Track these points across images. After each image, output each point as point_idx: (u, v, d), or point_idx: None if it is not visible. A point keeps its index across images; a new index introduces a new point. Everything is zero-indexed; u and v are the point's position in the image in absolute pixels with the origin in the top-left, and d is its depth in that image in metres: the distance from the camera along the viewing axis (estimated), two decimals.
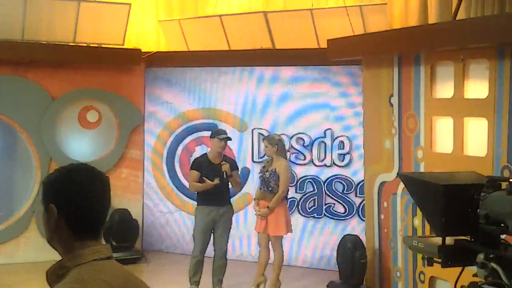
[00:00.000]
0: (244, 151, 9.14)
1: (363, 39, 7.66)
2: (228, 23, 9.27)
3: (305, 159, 8.83)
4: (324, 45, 8.05)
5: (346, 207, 8.61)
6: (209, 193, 7.17)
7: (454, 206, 3.28)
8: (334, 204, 8.67)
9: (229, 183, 7.33)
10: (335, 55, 7.81)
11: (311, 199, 8.81)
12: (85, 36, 9.21)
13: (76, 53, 9.11)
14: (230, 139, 7.40)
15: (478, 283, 3.24)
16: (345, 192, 8.62)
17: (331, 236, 8.64)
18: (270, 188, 7.34)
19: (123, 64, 9.39)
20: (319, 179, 8.75)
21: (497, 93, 5.81)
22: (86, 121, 9.27)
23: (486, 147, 5.93)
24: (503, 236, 3.28)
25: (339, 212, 8.66)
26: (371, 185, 7.66)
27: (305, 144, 8.83)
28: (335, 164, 8.68)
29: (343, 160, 8.63)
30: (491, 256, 3.17)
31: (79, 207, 2.08)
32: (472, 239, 3.31)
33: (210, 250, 7.39)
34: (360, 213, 8.45)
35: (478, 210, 3.20)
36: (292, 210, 8.61)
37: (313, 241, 8.82)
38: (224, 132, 7.43)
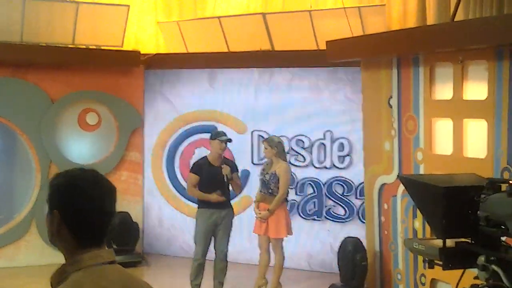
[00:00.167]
0: (244, 153, 9.13)
1: (362, 41, 7.66)
2: (227, 25, 9.27)
3: (305, 161, 8.83)
4: (323, 46, 8.05)
5: (346, 209, 8.60)
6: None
7: (455, 208, 3.28)
8: (334, 206, 8.67)
9: (230, 186, 7.32)
10: (334, 57, 7.81)
11: (311, 201, 8.80)
12: (84, 38, 9.21)
13: (75, 55, 9.11)
14: (230, 140, 7.39)
15: (479, 286, 3.24)
16: (345, 194, 8.61)
17: (331, 238, 8.64)
18: (270, 191, 7.33)
19: (122, 66, 9.40)
20: (319, 181, 8.75)
21: (496, 94, 5.80)
22: (86, 123, 9.27)
23: (486, 148, 5.92)
24: (503, 238, 3.28)
25: (339, 214, 8.65)
26: (371, 187, 7.66)
27: (305, 146, 8.83)
28: (335, 166, 8.67)
29: (343, 162, 8.63)
30: (492, 258, 3.17)
31: (82, 215, 2.08)
32: (473, 241, 3.31)
33: (209, 253, 7.38)
34: (360, 215, 8.45)
35: (479, 212, 3.20)
36: (292, 212, 8.60)
37: (313, 244, 8.81)
38: (224, 134, 7.41)
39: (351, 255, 7.45)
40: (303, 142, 8.83)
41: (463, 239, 3.37)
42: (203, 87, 9.44)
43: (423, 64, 6.71)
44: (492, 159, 5.83)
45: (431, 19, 7.88)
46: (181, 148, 9.59)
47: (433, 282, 6.65)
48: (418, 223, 6.84)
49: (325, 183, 8.70)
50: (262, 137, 8.75)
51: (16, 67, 8.84)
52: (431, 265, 3.46)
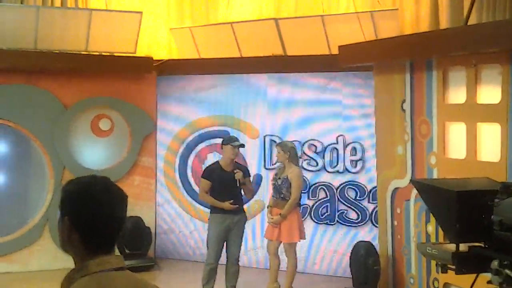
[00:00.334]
0: (256, 158, 9.13)
1: (374, 45, 7.65)
2: (239, 30, 9.29)
3: (317, 165, 8.81)
4: (335, 51, 8.04)
5: (359, 213, 8.58)
6: (223, 202, 7.16)
7: (468, 213, 3.26)
8: (347, 210, 8.64)
9: (242, 191, 7.32)
10: (346, 61, 7.80)
11: (324, 205, 8.78)
12: (97, 44, 9.26)
13: (88, 62, 9.15)
14: (243, 146, 7.39)
15: None
16: (357, 198, 8.59)
17: (344, 242, 8.61)
18: (282, 195, 7.33)
19: (135, 72, 9.43)
20: (331, 186, 8.73)
21: (510, 97, 5.77)
22: (99, 129, 9.31)
23: (500, 152, 5.89)
24: None
25: (352, 219, 8.63)
26: (384, 191, 7.63)
27: (317, 151, 8.81)
28: (348, 171, 8.65)
29: (355, 166, 8.61)
30: (506, 262, 3.15)
31: (92, 222, 2.09)
32: (486, 246, 3.29)
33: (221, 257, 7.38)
34: (373, 219, 8.42)
35: (492, 216, 3.18)
36: (305, 217, 8.59)
37: (326, 248, 8.79)
38: (237, 139, 7.41)
39: (364, 259, 7.43)
40: (316, 146, 8.82)
41: (476, 244, 3.35)
42: (216, 92, 9.45)
43: (436, 68, 6.69)
44: (505, 163, 5.79)
45: (444, 23, 7.86)
46: (194, 153, 9.61)
47: (446, 286, 6.62)
48: (431, 228, 6.81)
49: (338, 188, 8.68)
50: (275, 142, 8.76)
51: (30, 74, 8.90)
52: (444, 269, 3.45)
